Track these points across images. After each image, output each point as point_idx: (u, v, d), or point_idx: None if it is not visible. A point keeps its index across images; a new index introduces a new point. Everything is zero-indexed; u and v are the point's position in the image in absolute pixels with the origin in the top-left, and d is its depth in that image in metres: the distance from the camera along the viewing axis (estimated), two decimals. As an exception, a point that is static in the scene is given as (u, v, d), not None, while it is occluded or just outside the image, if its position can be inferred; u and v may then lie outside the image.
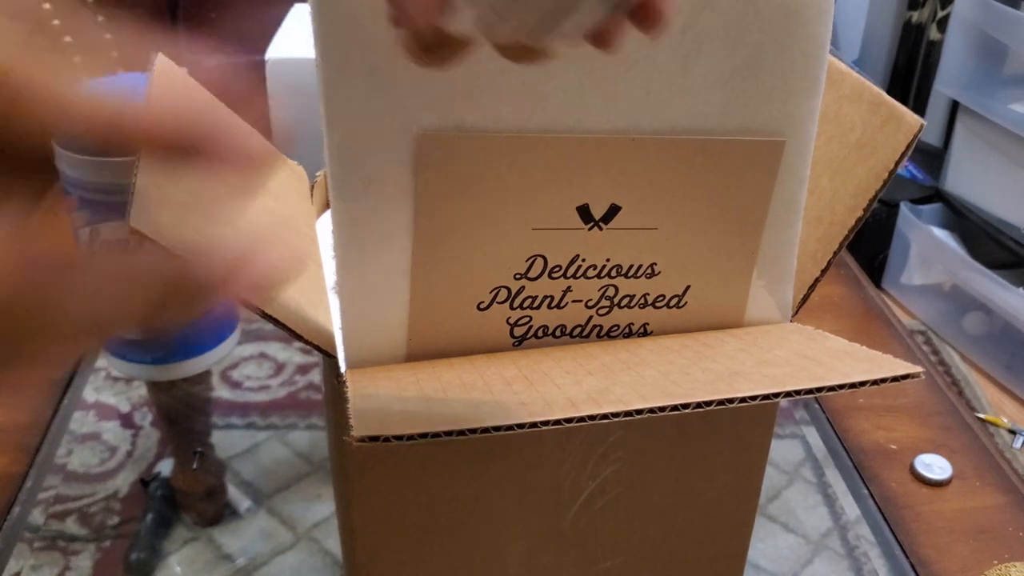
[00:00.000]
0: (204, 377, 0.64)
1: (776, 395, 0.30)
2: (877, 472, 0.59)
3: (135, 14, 1.43)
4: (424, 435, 0.28)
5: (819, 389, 0.31)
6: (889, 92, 0.38)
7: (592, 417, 0.29)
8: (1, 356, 0.19)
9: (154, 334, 0.54)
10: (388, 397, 0.31)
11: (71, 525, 0.53)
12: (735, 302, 0.39)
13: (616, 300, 0.37)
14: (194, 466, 0.58)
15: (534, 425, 0.29)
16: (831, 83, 0.42)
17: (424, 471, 0.36)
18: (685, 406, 0.30)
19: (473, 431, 0.28)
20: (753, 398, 0.30)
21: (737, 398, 0.30)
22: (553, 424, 0.29)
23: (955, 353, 1.62)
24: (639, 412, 0.30)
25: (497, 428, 0.28)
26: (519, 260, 0.35)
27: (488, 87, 0.32)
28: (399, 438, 0.28)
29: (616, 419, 0.29)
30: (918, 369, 0.31)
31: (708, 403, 0.30)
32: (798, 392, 0.31)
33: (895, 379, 0.31)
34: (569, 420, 0.29)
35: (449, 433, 0.28)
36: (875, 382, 0.31)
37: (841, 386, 0.31)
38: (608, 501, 0.38)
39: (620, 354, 0.35)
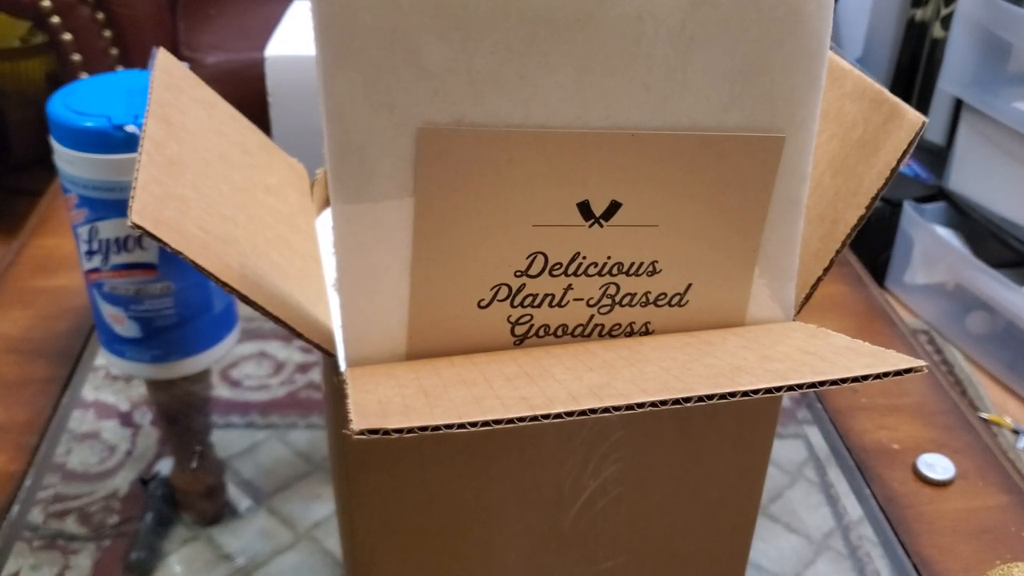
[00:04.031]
0: (203, 376, 0.64)
1: (778, 389, 0.30)
2: (879, 472, 0.58)
3: (134, 11, 1.43)
4: (424, 428, 0.28)
5: (821, 383, 0.31)
6: (892, 90, 0.38)
7: (593, 411, 0.29)
8: None
9: None
10: (388, 392, 0.31)
11: (70, 524, 0.53)
12: (737, 300, 0.38)
13: (617, 298, 0.37)
14: (193, 465, 0.57)
15: (535, 418, 0.28)
16: (833, 80, 0.41)
17: (424, 470, 0.36)
18: (687, 400, 0.30)
19: (474, 424, 0.28)
20: (755, 392, 0.30)
21: (739, 392, 0.30)
22: (554, 417, 0.29)
23: (958, 352, 1.62)
24: (640, 406, 0.29)
25: (498, 421, 0.28)
26: (519, 257, 0.35)
27: (488, 83, 0.32)
28: (399, 431, 0.27)
29: (617, 412, 0.29)
30: (920, 363, 0.31)
31: (710, 396, 0.30)
32: (800, 386, 0.30)
33: (898, 373, 0.31)
34: (570, 413, 0.29)
35: (449, 426, 0.28)
36: (878, 376, 0.31)
37: (844, 380, 0.31)
38: (609, 501, 0.38)
39: (621, 351, 0.35)
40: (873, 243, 1.75)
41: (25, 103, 1.76)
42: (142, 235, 0.32)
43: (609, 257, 0.36)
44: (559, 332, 0.37)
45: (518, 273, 0.35)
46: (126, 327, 0.58)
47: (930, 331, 1.67)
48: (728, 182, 0.36)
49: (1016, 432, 1.44)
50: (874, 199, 0.37)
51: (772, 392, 0.30)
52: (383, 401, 0.30)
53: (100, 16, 1.41)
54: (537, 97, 0.33)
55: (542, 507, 0.37)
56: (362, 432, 0.27)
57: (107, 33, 1.42)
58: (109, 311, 0.58)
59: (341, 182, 0.33)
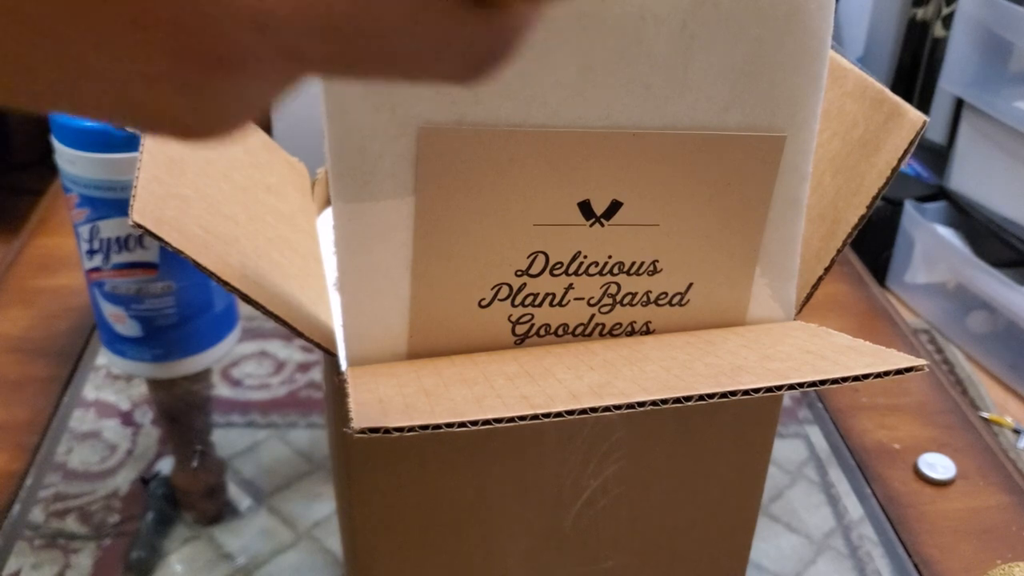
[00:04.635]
0: (204, 375, 0.64)
1: (779, 388, 0.30)
2: (880, 472, 0.58)
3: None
4: (425, 427, 0.28)
5: (822, 382, 0.31)
6: (893, 89, 0.38)
7: (594, 409, 0.29)
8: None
9: None
10: (389, 391, 0.31)
11: (71, 523, 0.53)
12: (738, 300, 0.38)
13: (618, 298, 0.37)
14: (194, 464, 0.57)
15: (535, 417, 0.28)
16: (833, 79, 0.41)
17: (425, 470, 0.36)
18: (688, 398, 0.30)
19: (475, 423, 0.28)
20: (756, 391, 0.30)
21: (740, 391, 0.30)
22: (555, 416, 0.29)
23: (959, 352, 1.62)
24: (641, 404, 0.29)
25: (499, 420, 0.28)
26: (520, 257, 0.35)
27: (489, 82, 0.32)
28: (400, 430, 0.27)
29: (618, 411, 0.29)
30: (921, 362, 0.31)
31: (711, 395, 0.30)
32: (801, 385, 0.30)
33: (898, 372, 0.31)
34: (571, 412, 0.29)
35: (450, 425, 0.28)
36: (879, 375, 0.31)
37: (845, 379, 0.31)
38: (610, 500, 0.38)
39: (622, 351, 0.35)
40: (874, 242, 1.75)
41: (26, 103, 1.76)
42: (143, 234, 0.32)
43: (610, 256, 0.36)
44: (560, 331, 0.37)
45: (519, 272, 0.35)
46: (127, 326, 0.58)
47: (931, 330, 1.67)
48: (729, 181, 0.36)
49: (1017, 432, 1.44)
50: (875, 198, 0.37)
51: (773, 391, 0.30)
52: (384, 400, 0.30)
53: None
54: (538, 96, 0.33)
55: (543, 506, 0.37)
56: (363, 431, 0.27)
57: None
58: (110, 310, 0.58)
59: (342, 181, 0.33)
